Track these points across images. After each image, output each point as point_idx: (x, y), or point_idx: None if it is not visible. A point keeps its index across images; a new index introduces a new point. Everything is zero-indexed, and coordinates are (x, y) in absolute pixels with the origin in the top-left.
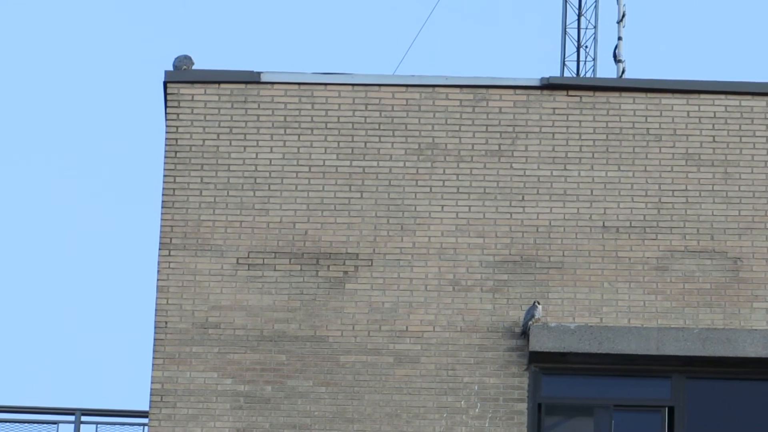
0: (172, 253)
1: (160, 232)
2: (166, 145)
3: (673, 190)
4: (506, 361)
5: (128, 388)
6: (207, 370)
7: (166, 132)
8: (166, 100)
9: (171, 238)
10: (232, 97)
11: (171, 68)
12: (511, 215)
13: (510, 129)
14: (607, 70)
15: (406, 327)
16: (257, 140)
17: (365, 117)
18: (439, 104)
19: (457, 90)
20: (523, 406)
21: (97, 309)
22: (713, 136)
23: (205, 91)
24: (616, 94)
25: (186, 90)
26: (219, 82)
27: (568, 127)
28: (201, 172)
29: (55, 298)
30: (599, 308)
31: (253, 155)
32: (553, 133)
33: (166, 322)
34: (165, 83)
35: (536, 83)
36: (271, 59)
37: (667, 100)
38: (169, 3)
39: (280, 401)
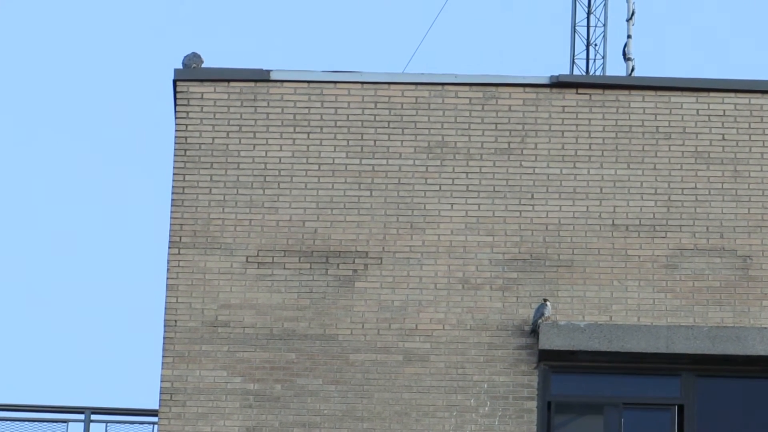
0: (181, 251)
1: (170, 230)
2: (175, 143)
3: (682, 189)
4: (516, 360)
5: (138, 386)
6: (217, 369)
7: (176, 130)
8: (175, 99)
9: (181, 237)
10: (241, 95)
11: (180, 66)
12: (520, 213)
13: (519, 127)
14: (616, 68)
15: (416, 325)
16: (267, 138)
17: (375, 115)
18: (449, 102)
19: (467, 88)
20: (533, 405)
21: (106, 308)
22: (723, 135)
23: (215, 89)
24: (626, 92)
25: (195, 88)
26: (228, 80)
27: (577, 125)
28: (211, 171)
29: (64, 297)
30: (609, 306)
31: (263, 153)
32: (563, 132)
33: (175, 321)
34: (174, 81)
35: (546, 81)
36: (280, 57)
37: (676, 98)
38: (179, 1)
39: (289, 400)
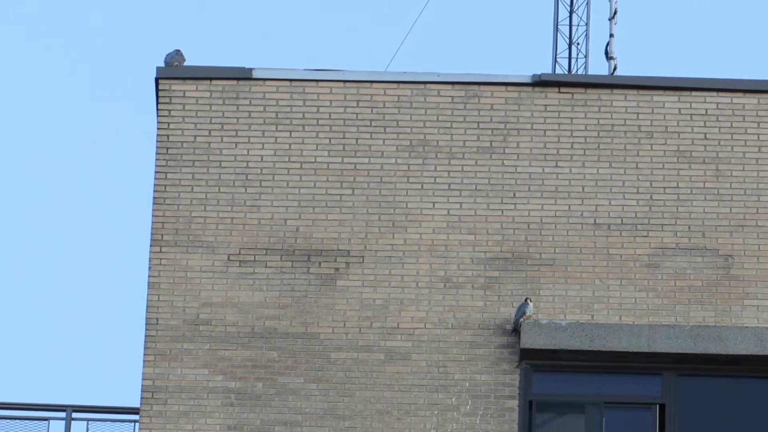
0: (163, 249)
1: (152, 228)
2: (157, 141)
3: (664, 188)
4: (497, 358)
5: (119, 384)
6: (198, 367)
7: (158, 128)
8: (157, 97)
9: (162, 235)
10: (223, 93)
11: (162, 64)
12: (502, 212)
13: (501, 126)
14: (598, 67)
15: (398, 324)
16: (249, 137)
17: (357, 113)
18: (431, 101)
19: (449, 87)
20: (514, 403)
21: (88, 305)
22: (705, 134)
23: (197, 87)
24: (608, 91)
25: (177, 86)
26: (210, 79)
27: (559, 124)
28: (192, 169)
29: (45, 295)
30: (590, 305)
31: (245, 152)
32: (545, 130)
33: (157, 319)
34: (156, 79)
35: (528, 80)
36: (262, 55)
37: (658, 97)
38: None
39: (271, 398)
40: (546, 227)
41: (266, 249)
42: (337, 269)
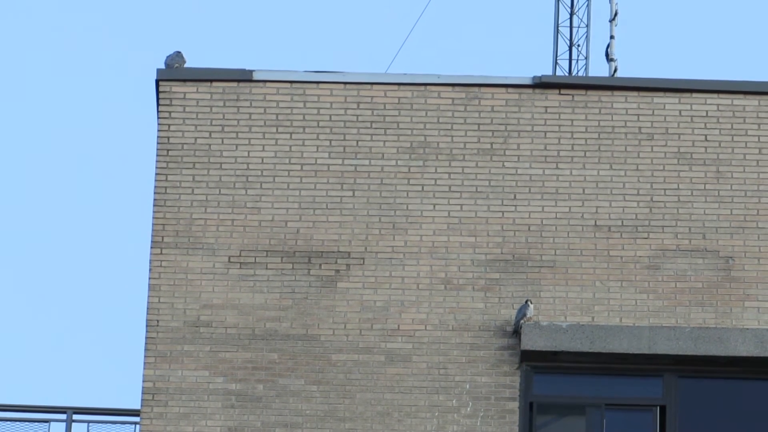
0: (164, 251)
1: (152, 230)
2: (158, 143)
3: (665, 189)
4: (498, 360)
5: (120, 386)
6: (199, 369)
7: (158, 130)
8: (158, 98)
9: (163, 237)
10: (224, 95)
11: (163, 66)
12: (503, 214)
13: (502, 128)
14: (599, 69)
15: (398, 326)
16: (249, 138)
17: (357, 115)
18: (431, 103)
19: (449, 89)
20: (515, 405)
21: (88, 307)
22: (705, 135)
23: (197, 89)
24: (608, 92)
25: (178, 88)
26: (211, 80)
27: (560, 125)
28: (193, 171)
29: (46, 296)
30: (591, 307)
31: (245, 153)
32: (545, 132)
33: (157, 321)
34: (157, 81)
35: (528, 82)
36: (263, 57)
37: (659, 99)
38: (162, 1)
39: (271, 400)
40: (546, 229)
41: (267, 251)
42: (337, 271)
